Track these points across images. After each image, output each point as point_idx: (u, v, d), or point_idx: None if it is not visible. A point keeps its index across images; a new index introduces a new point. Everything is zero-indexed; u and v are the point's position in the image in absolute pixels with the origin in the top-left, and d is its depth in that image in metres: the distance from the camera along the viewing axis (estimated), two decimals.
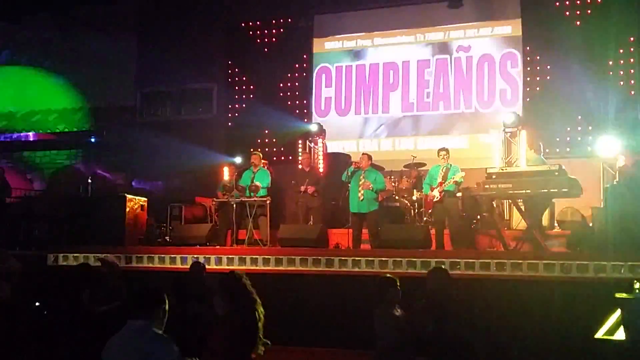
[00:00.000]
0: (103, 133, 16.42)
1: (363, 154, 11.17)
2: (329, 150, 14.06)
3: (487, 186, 9.63)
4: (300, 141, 14.08)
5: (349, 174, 10.85)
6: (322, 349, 8.67)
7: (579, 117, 13.26)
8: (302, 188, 11.60)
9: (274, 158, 14.58)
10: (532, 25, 13.80)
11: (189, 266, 9.41)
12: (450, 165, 10.47)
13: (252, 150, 12.81)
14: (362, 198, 10.57)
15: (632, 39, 13.10)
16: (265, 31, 15.87)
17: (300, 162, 12.77)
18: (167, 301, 3.97)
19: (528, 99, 13.64)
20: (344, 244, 11.00)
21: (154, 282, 9.59)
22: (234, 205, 11.37)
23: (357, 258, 9.23)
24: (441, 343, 5.43)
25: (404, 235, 9.93)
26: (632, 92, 12.99)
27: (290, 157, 14.41)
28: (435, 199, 10.36)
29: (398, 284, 6.02)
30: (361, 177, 10.69)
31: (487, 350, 8.25)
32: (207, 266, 9.55)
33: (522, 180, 9.40)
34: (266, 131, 15.41)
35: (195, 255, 9.94)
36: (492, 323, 8.32)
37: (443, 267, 7.46)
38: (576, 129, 13.26)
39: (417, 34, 14.75)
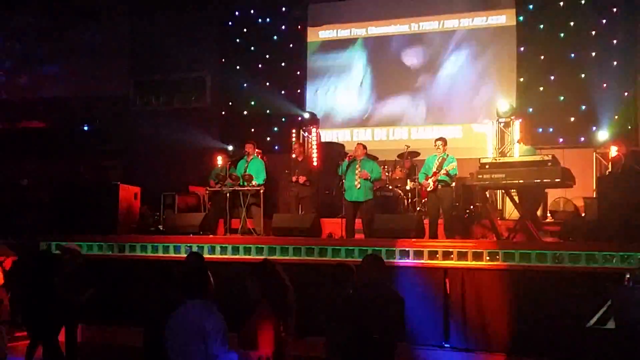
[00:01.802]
0: (96, 122, 16.35)
1: (358, 143, 11.12)
2: (323, 140, 14.05)
3: (480, 176, 9.63)
4: (294, 130, 14.08)
5: (344, 167, 10.78)
6: (316, 338, 8.69)
7: (573, 108, 13.28)
8: (294, 178, 11.60)
9: (268, 147, 14.57)
10: (526, 15, 13.81)
11: (181, 255, 9.44)
12: (447, 155, 10.42)
13: (246, 139, 12.79)
14: (359, 186, 10.53)
15: (626, 29, 13.14)
16: (259, 20, 15.83)
17: (293, 151, 12.74)
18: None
19: (521, 89, 13.65)
20: (337, 234, 11.00)
21: (146, 271, 9.63)
22: (227, 194, 11.37)
23: (350, 247, 9.23)
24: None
25: (397, 225, 9.92)
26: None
27: (284, 146, 14.39)
28: (429, 189, 10.35)
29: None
30: (357, 166, 10.66)
31: (480, 337, 8.34)
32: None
33: (515, 171, 9.40)
34: (259, 120, 15.40)
35: (188, 244, 9.95)
36: (484, 312, 8.38)
37: (378, 254, 7.37)
38: (570, 119, 13.29)
39: (411, 23, 14.74)
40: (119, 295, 9.77)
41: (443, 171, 10.14)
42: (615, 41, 13.13)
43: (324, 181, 12.21)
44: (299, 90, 15.36)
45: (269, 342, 4.32)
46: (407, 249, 8.92)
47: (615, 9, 13.22)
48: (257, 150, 12.24)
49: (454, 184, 10.93)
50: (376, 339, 5.39)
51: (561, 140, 13.24)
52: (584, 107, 13.20)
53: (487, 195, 11.27)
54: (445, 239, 10.05)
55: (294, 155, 12.31)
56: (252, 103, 15.54)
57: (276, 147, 14.77)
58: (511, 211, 11.10)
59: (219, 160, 12.46)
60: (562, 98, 13.33)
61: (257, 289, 4.59)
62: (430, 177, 10.29)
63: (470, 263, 8.62)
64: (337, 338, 5.47)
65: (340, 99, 15.16)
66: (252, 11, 15.92)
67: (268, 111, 15.36)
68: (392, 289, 5.75)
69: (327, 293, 5.85)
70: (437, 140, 10.62)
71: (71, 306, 7.52)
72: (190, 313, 4.28)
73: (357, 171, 10.59)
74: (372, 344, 5.43)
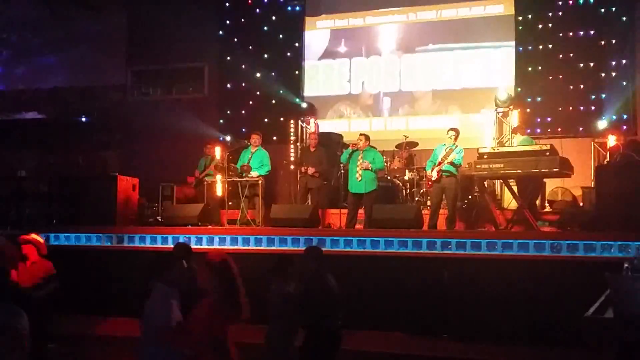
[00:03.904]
0: (94, 113, 16.31)
1: (360, 134, 11.03)
2: (321, 130, 14.04)
3: (478, 166, 9.65)
4: (292, 121, 14.07)
5: (347, 155, 10.78)
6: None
7: (571, 97, 13.26)
8: (303, 169, 11.56)
9: (266, 137, 14.51)
10: (524, 4, 13.76)
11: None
12: (456, 146, 10.36)
13: (246, 129, 12.81)
14: (360, 179, 10.51)
15: (624, 18, 13.11)
16: (257, 10, 15.77)
17: (307, 142, 12.72)
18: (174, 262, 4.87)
19: (520, 79, 13.62)
20: (336, 224, 11.01)
21: (145, 263, 9.63)
22: (224, 185, 11.42)
23: (349, 238, 9.25)
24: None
25: (395, 215, 9.94)
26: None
27: (282, 137, 14.37)
28: (433, 179, 10.32)
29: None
30: (359, 157, 10.64)
31: (478, 327, 8.36)
32: (199, 246, 9.60)
33: (513, 160, 9.42)
34: (257, 110, 15.36)
35: (187, 235, 9.95)
36: (483, 302, 8.40)
37: (317, 246, 7.39)
38: (568, 108, 13.27)
39: (409, 13, 14.70)
40: (116, 287, 9.78)
41: (447, 161, 10.12)
42: (614, 30, 13.10)
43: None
44: (297, 81, 15.31)
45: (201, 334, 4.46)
46: (405, 239, 8.94)
47: None
48: None
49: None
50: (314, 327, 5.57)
51: (559, 129, 13.21)
52: (582, 97, 13.17)
53: (486, 185, 11.28)
54: (446, 229, 10.06)
55: (299, 145, 12.30)
56: (250, 93, 15.49)
57: (274, 137, 14.72)
58: (510, 201, 11.11)
59: (217, 151, 12.49)
60: (560, 88, 13.29)
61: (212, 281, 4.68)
62: (435, 167, 10.26)
63: (468, 253, 8.65)
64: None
65: (338, 89, 15.11)
66: (250, 1, 15.85)
67: (266, 101, 15.31)
68: (327, 279, 5.89)
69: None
70: (450, 129, 10.56)
71: (31, 302, 7.29)
72: (153, 296, 4.73)
73: (358, 162, 10.56)
74: (313, 332, 5.61)
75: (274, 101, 15.15)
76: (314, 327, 5.74)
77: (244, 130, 14.35)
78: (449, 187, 10.27)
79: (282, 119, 14.67)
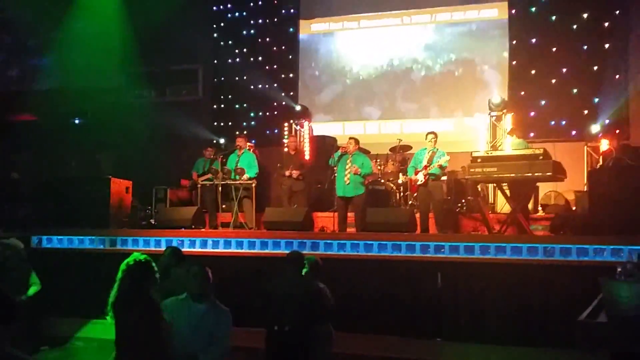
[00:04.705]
0: (87, 115, 16.26)
1: (350, 138, 11.09)
2: (315, 133, 14.05)
3: (472, 170, 9.65)
4: (286, 124, 14.06)
5: (336, 158, 10.82)
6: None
7: (564, 101, 13.30)
8: (287, 172, 11.58)
9: (260, 140, 14.55)
10: (518, 8, 13.81)
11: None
12: (437, 149, 10.44)
13: (237, 132, 12.81)
14: (348, 182, 10.54)
15: (618, 24, 13.16)
16: (252, 12, 15.77)
17: (286, 145, 12.75)
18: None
19: (514, 83, 13.66)
20: (329, 228, 11.01)
21: None
22: (217, 188, 11.40)
23: (342, 241, 9.24)
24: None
25: (389, 219, 9.92)
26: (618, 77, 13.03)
27: (276, 140, 14.38)
28: (419, 182, 10.36)
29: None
30: (348, 161, 10.66)
31: (470, 332, 8.37)
32: (192, 249, 9.58)
33: (506, 164, 9.42)
34: (252, 113, 15.37)
35: (180, 238, 9.92)
36: (476, 305, 8.41)
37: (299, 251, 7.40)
38: (561, 112, 13.31)
39: (403, 17, 14.73)
40: (109, 290, 9.74)
41: (435, 165, 10.16)
42: (608, 36, 13.15)
43: (315, 175, 12.21)
44: (291, 84, 15.32)
45: None
46: (399, 243, 8.94)
47: None
48: (249, 143, 12.24)
49: (445, 177, 10.97)
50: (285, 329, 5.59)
51: (553, 133, 13.26)
52: (575, 101, 13.22)
53: (479, 189, 11.29)
54: (437, 232, 10.07)
55: (286, 149, 12.32)
56: (244, 95, 15.50)
57: (268, 141, 14.73)
58: (503, 205, 11.13)
59: (211, 153, 12.49)
60: (554, 92, 13.34)
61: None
62: (421, 171, 10.31)
63: (462, 256, 8.65)
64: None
65: (332, 92, 15.14)
66: (245, 4, 15.85)
67: (260, 104, 15.32)
68: (313, 283, 5.90)
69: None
70: (428, 133, 10.64)
71: (13, 306, 7.16)
72: None
73: (347, 166, 10.59)
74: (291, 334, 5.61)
75: (267, 104, 15.15)
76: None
77: (237, 132, 14.35)
78: (436, 191, 10.33)
79: (276, 122, 14.67)
